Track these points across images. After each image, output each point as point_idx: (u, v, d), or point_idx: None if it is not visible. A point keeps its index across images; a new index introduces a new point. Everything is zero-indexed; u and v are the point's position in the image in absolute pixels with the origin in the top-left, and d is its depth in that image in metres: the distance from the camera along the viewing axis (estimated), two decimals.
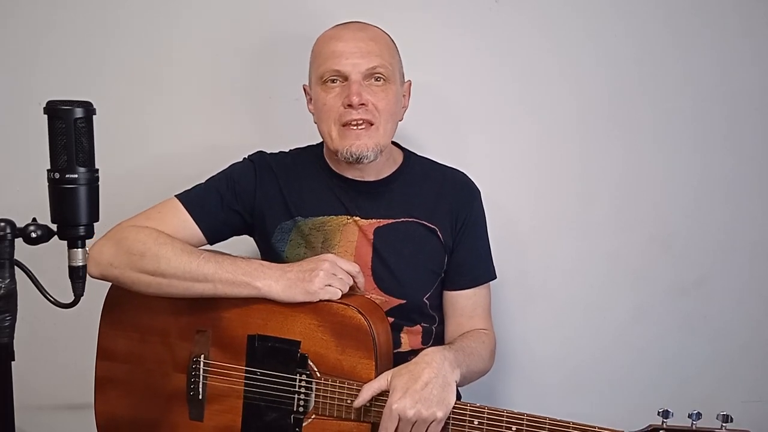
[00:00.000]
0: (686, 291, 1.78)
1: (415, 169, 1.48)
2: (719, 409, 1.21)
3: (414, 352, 1.42)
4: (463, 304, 1.47)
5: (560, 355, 1.81)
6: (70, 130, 0.93)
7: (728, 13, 1.69)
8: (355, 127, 1.34)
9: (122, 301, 1.38)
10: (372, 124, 1.35)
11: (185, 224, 1.37)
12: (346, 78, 1.34)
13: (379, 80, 1.36)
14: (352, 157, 1.35)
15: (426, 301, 1.44)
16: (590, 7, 1.70)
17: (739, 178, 1.75)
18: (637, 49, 1.71)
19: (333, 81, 1.35)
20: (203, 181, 1.44)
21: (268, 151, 1.48)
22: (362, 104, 1.33)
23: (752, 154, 1.74)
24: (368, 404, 1.25)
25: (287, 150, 1.50)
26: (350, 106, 1.33)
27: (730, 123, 1.73)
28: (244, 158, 1.46)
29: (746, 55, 1.70)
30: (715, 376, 1.80)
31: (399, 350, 1.40)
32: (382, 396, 1.24)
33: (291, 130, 1.60)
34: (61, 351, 1.82)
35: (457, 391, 1.28)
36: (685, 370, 1.80)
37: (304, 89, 1.46)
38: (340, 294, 1.29)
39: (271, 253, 1.43)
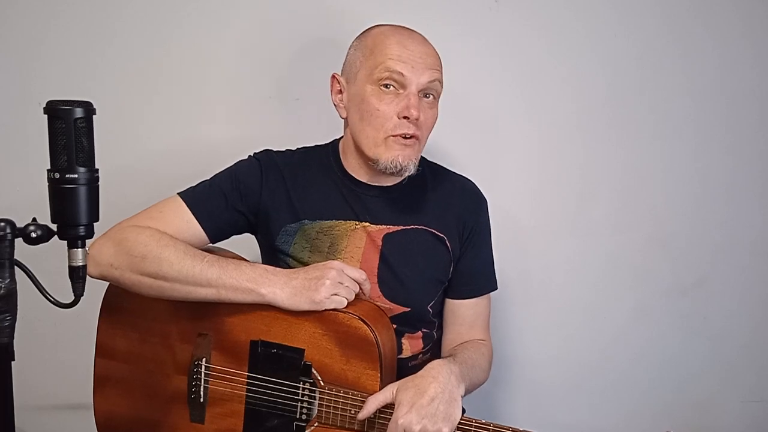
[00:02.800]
0: (686, 291, 1.79)
1: (426, 175, 1.46)
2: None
3: (415, 357, 1.42)
4: (464, 314, 1.46)
5: (560, 355, 1.82)
6: (70, 130, 0.92)
7: (728, 13, 1.69)
8: (404, 140, 1.32)
9: (121, 301, 1.36)
10: (418, 139, 1.34)
11: (188, 224, 1.34)
12: (403, 86, 1.31)
13: (429, 97, 1.35)
14: (396, 168, 1.32)
15: (429, 309, 1.42)
16: (590, 7, 1.70)
17: (739, 178, 1.75)
18: (637, 49, 1.71)
19: (388, 86, 1.32)
20: (207, 178, 1.41)
21: (275, 150, 1.45)
22: (417, 118, 1.31)
23: (752, 154, 1.74)
24: (373, 416, 1.24)
25: (294, 149, 1.47)
26: (406, 118, 1.31)
27: (730, 123, 1.73)
28: (250, 156, 1.43)
29: (746, 55, 1.70)
30: (715, 376, 1.80)
31: (400, 356, 1.39)
32: (387, 408, 1.23)
33: (291, 130, 1.60)
34: (61, 351, 1.82)
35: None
36: (685, 370, 1.80)
37: (336, 79, 1.40)
38: (345, 303, 1.27)
39: (273, 254, 1.41)
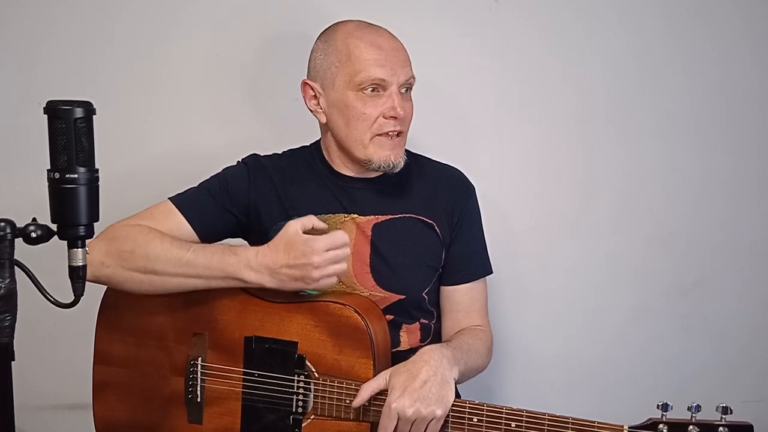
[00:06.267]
0: (686, 291, 1.79)
1: (411, 165, 1.47)
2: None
3: (413, 351, 1.42)
4: (459, 300, 1.47)
5: (560, 355, 1.82)
6: (70, 130, 0.93)
7: (728, 13, 1.69)
8: (390, 138, 1.36)
9: (117, 305, 1.37)
10: (403, 132, 1.38)
11: (179, 225, 1.36)
12: (384, 87, 1.34)
13: (407, 90, 1.38)
14: (389, 166, 1.36)
15: (425, 296, 1.44)
16: (590, 7, 1.70)
17: (739, 178, 1.75)
18: (637, 49, 1.71)
19: (374, 90, 1.34)
20: (196, 184, 1.43)
21: (262, 154, 1.47)
22: (402, 117, 1.36)
23: (752, 154, 1.74)
24: (367, 404, 1.25)
25: (280, 152, 1.49)
26: (393, 117, 1.34)
27: (730, 123, 1.73)
28: (238, 161, 1.47)
29: (746, 55, 1.70)
30: (715, 376, 1.80)
31: (398, 349, 1.40)
32: (381, 395, 1.24)
33: (291, 130, 1.60)
34: (61, 351, 1.82)
35: (456, 389, 1.28)
36: (685, 370, 1.80)
37: (308, 85, 1.41)
38: (336, 280, 1.28)
39: None
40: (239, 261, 1.27)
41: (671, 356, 1.80)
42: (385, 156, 1.36)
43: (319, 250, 1.25)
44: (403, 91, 1.37)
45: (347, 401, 1.26)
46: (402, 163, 1.38)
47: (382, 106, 1.34)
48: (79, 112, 0.93)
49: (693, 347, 1.79)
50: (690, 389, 1.79)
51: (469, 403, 1.24)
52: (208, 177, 1.44)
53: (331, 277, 1.26)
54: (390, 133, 1.36)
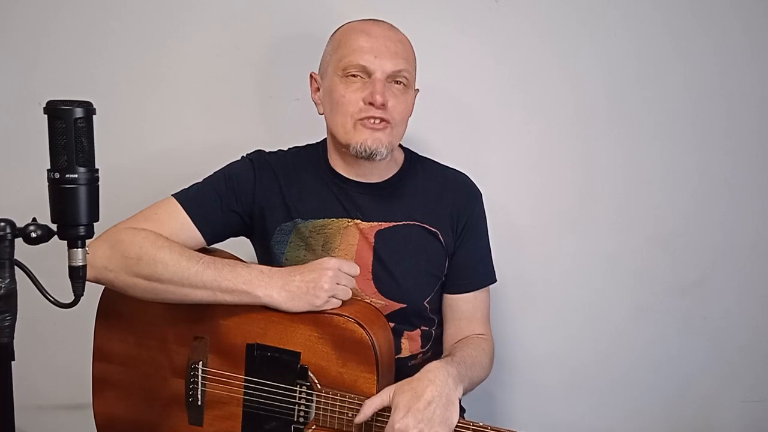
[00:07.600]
0: (686, 291, 1.79)
1: (417, 170, 1.47)
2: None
3: (414, 357, 1.42)
4: (462, 308, 1.46)
5: (560, 355, 1.81)
6: (70, 130, 0.92)
7: (728, 13, 1.69)
8: (372, 123, 1.33)
9: (117, 305, 1.36)
10: (389, 123, 1.34)
11: (183, 225, 1.34)
12: (369, 75, 1.32)
13: (400, 84, 1.35)
14: (366, 151, 1.32)
15: (426, 304, 1.43)
16: (590, 7, 1.70)
17: (739, 178, 1.75)
18: (637, 49, 1.71)
19: (354, 75, 1.33)
20: (200, 180, 1.41)
21: (267, 150, 1.47)
22: (383, 104, 1.32)
23: (752, 154, 1.74)
24: (370, 420, 1.24)
25: (286, 149, 1.48)
26: (371, 104, 1.31)
27: (730, 123, 1.73)
28: (243, 157, 1.44)
29: (746, 55, 1.70)
30: (715, 376, 1.80)
31: (399, 356, 1.39)
32: (384, 412, 1.22)
33: (291, 130, 1.60)
34: (61, 351, 1.82)
35: (459, 402, 1.26)
36: (685, 370, 1.80)
37: (312, 77, 1.42)
38: (341, 303, 1.28)
39: (269, 254, 1.41)
40: (251, 273, 1.27)
41: (671, 356, 1.80)
42: (362, 140, 1.32)
43: (336, 268, 1.28)
44: (396, 83, 1.34)
45: (349, 415, 1.25)
46: (384, 152, 1.34)
47: (364, 91, 1.32)
48: (79, 112, 0.93)
49: (693, 347, 1.80)
50: (690, 389, 1.80)
51: (473, 425, 1.23)
52: (211, 173, 1.42)
53: (331, 302, 1.27)
54: (369, 119, 1.32)
